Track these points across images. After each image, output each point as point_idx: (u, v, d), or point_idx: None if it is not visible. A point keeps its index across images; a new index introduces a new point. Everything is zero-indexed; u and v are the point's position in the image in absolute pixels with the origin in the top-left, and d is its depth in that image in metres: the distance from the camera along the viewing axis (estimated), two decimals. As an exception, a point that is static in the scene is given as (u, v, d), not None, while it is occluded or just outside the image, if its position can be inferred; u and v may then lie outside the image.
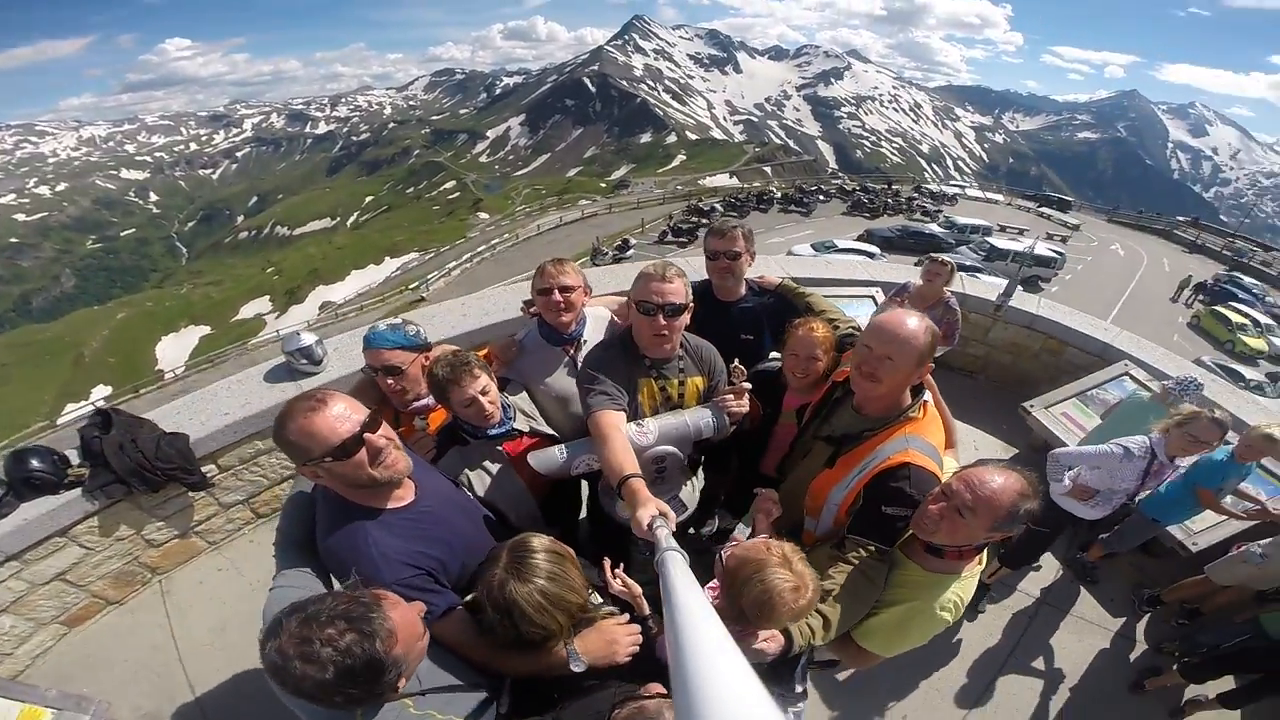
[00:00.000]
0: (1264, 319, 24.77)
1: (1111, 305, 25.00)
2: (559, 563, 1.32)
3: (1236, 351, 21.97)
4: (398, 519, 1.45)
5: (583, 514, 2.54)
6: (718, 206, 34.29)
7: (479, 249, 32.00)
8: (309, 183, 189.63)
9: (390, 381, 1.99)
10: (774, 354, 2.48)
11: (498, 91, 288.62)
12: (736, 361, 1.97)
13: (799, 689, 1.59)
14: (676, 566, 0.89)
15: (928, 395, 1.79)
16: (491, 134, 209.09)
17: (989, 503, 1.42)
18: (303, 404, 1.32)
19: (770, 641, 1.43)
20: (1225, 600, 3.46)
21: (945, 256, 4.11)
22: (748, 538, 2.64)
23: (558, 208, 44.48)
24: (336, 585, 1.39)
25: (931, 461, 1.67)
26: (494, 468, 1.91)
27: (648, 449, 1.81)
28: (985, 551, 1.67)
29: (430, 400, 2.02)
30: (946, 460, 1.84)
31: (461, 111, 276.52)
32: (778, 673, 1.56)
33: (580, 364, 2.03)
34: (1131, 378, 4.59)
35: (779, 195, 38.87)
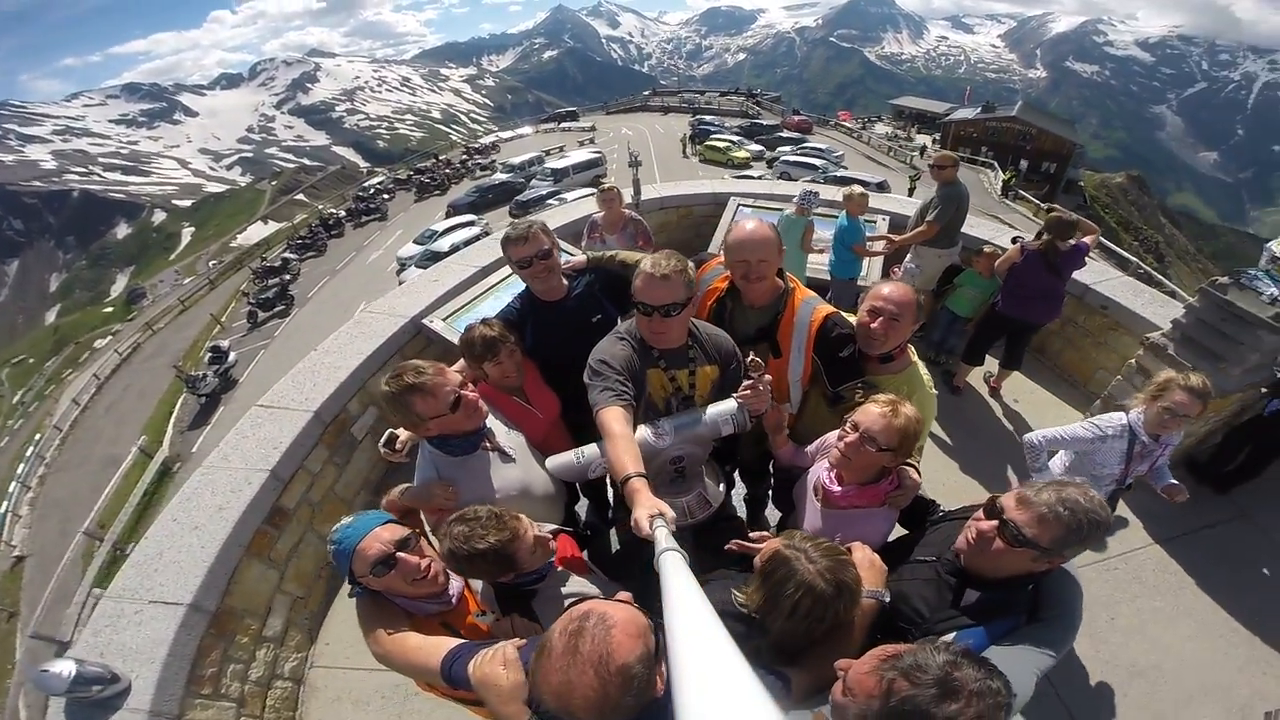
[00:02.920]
0: (735, 138, 35.77)
1: (652, 170, 30.89)
2: (812, 537, 1.38)
3: (735, 165, 30.94)
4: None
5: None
6: (288, 256, 29.52)
7: (21, 474, 20.64)
8: None
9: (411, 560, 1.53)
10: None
11: None
12: (753, 355, 1.87)
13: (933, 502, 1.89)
14: (675, 566, 0.88)
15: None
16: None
17: (907, 304, 1.96)
18: (578, 670, 0.92)
19: (914, 472, 1.77)
20: (929, 304, 4.70)
21: (609, 183, 4.37)
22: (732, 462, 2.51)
23: (75, 367, 32.05)
24: None
25: (831, 306, 2.12)
26: (578, 585, 1.68)
27: (665, 451, 1.74)
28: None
29: (458, 584, 1.67)
30: None
31: None
32: (915, 510, 1.82)
33: (588, 358, 1.87)
34: (743, 206, 5.71)
35: (343, 214, 35.42)
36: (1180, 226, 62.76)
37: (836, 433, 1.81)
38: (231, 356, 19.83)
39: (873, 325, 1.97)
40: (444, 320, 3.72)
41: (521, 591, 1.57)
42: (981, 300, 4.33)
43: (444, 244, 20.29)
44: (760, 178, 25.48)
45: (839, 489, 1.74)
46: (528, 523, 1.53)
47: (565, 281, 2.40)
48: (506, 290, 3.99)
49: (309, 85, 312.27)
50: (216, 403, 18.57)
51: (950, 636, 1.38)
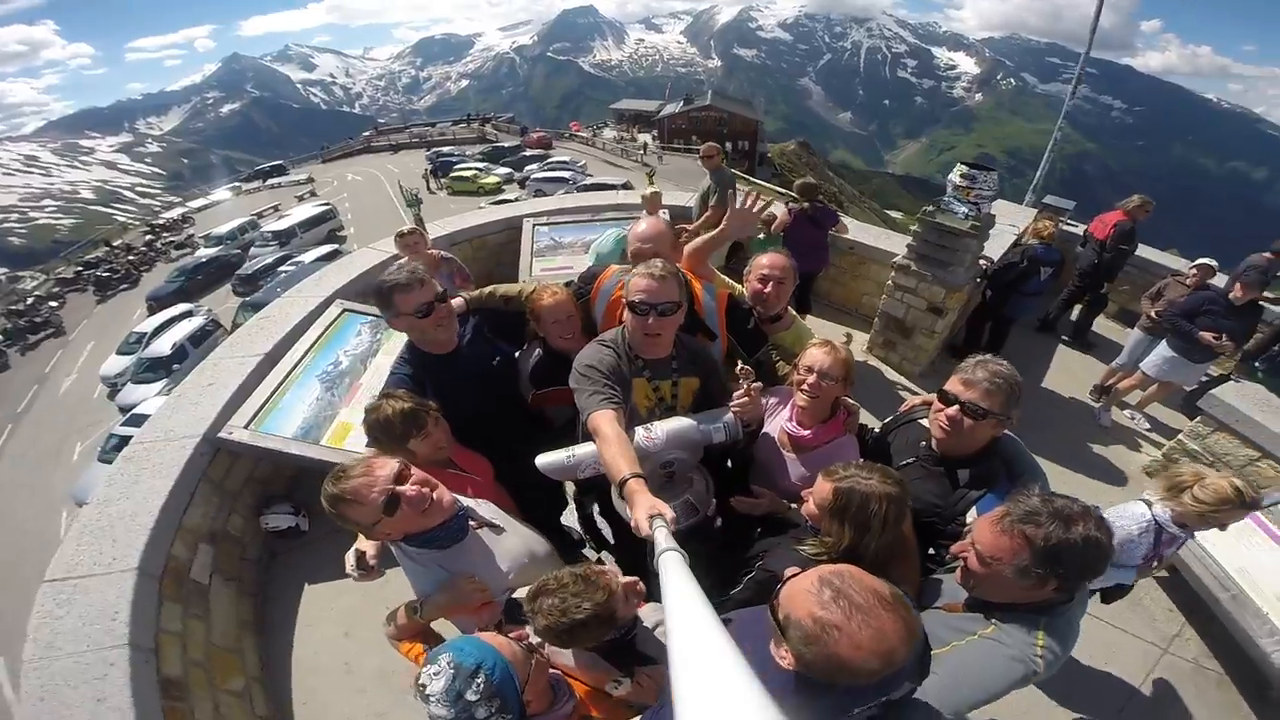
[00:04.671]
0: (480, 165, 35.52)
1: (399, 212, 28.92)
2: (847, 463, 1.52)
3: (487, 191, 30.89)
4: None
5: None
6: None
7: None
8: None
9: None
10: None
11: None
12: (741, 364, 1.93)
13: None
14: (675, 566, 0.89)
15: None
16: None
17: (787, 267, 2.37)
18: None
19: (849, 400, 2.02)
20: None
21: (409, 226, 4.01)
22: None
23: None
24: None
25: (726, 286, 2.39)
26: (651, 612, 1.57)
27: (655, 454, 1.74)
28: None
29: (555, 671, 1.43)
30: None
31: None
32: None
33: (573, 363, 1.87)
34: (538, 225, 5.69)
35: (-3, 341, 26.27)
36: (844, 177, 79.05)
37: (778, 388, 2.08)
38: None
39: (766, 290, 2.31)
40: (247, 428, 3.06)
41: (624, 642, 1.45)
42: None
43: (164, 346, 16.55)
44: (516, 199, 25.82)
45: (808, 432, 1.92)
46: (610, 573, 1.41)
47: (455, 329, 2.18)
48: (309, 375, 3.46)
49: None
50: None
51: (973, 512, 1.65)
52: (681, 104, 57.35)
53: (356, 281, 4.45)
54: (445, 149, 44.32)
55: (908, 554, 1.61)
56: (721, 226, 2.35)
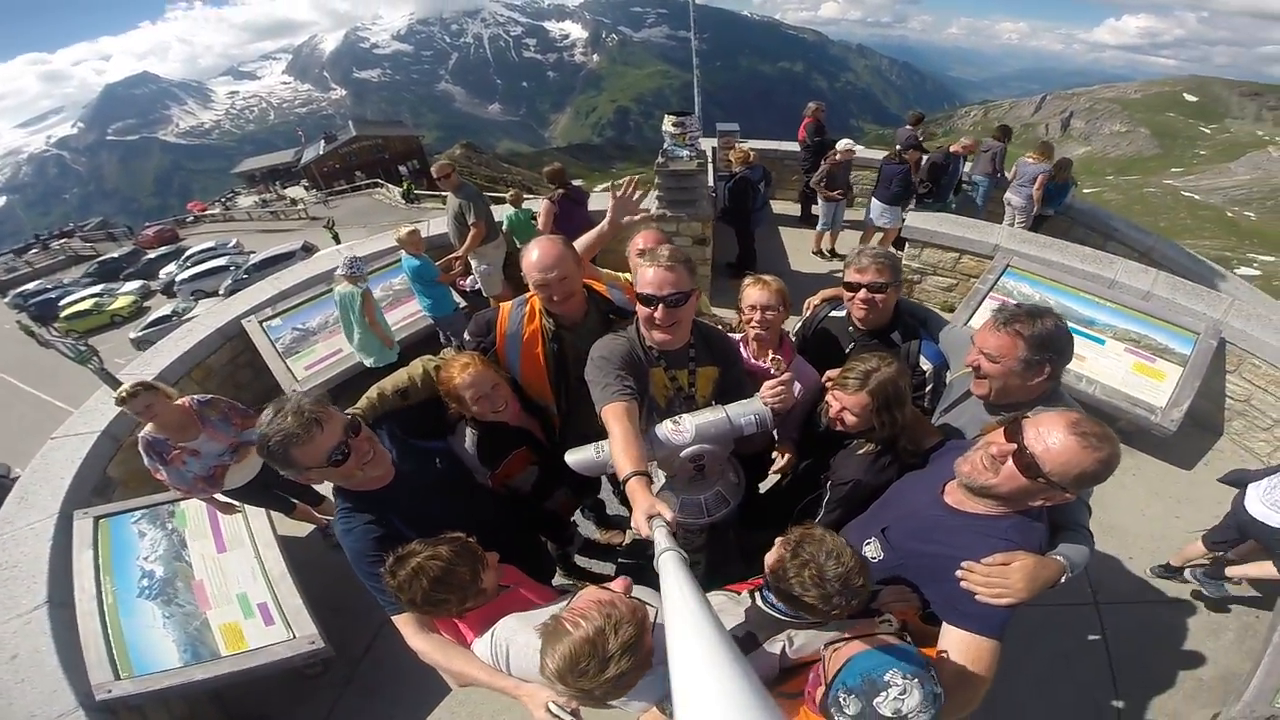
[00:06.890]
0: (95, 290, 27.82)
1: (20, 393, 21.21)
2: (862, 360, 1.77)
3: (127, 317, 24.75)
4: None
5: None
6: None
7: None
8: None
9: None
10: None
11: None
12: (774, 355, 1.99)
13: None
14: (675, 566, 0.90)
15: None
16: None
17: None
18: None
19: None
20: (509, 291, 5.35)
21: (130, 384, 2.88)
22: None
23: None
24: None
25: (616, 278, 2.34)
26: None
27: (685, 448, 1.70)
28: None
29: None
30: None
31: None
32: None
33: (588, 356, 1.81)
34: (266, 322, 4.73)
35: None
36: (519, 164, 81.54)
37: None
38: None
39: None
40: (122, 679, 2.42)
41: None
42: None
43: None
44: (175, 314, 20.66)
45: (768, 363, 2.07)
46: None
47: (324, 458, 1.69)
48: (125, 602, 2.72)
49: None
50: None
51: (922, 361, 2.03)
52: (324, 145, 51.86)
53: (82, 479, 3.33)
54: (29, 287, 32.80)
55: (915, 413, 1.86)
56: (607, 220, 2.21)
